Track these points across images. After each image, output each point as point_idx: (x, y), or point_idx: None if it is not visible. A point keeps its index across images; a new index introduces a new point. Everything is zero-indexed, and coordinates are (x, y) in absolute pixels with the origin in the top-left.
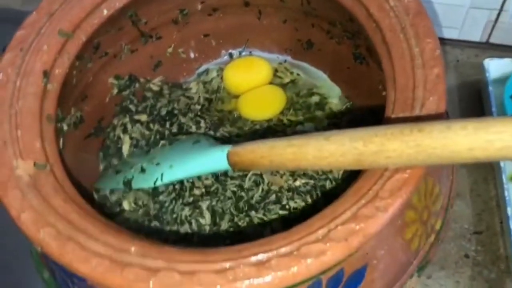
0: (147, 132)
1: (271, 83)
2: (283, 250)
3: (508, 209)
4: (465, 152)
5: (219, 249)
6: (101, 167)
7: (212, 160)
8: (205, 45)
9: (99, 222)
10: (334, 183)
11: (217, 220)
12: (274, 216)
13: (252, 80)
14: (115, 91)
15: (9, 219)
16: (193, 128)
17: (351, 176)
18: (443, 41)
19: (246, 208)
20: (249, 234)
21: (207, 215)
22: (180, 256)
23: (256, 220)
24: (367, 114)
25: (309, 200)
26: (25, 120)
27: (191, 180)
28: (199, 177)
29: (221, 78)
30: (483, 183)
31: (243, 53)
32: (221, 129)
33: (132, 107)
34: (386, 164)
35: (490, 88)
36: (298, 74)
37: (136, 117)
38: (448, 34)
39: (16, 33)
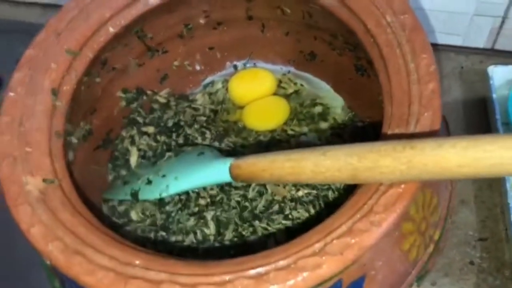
0: (154, 144)
1: (275, 94)
2: (281, 263)
3: None
4: (454, 169)
5: (219, 262)
6: (110, 178)
7: (215, 172)
8: (210, 57)
9: (105, 236)
10: (336, 193)
11: (222, 230)
12: (277, 226)
13: (256, 91)
14: (123, 104)
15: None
16: (199, 139)
17: (353, 186)
18: (447, 48)
19: (250, 218)
20: (253, 244)
21: (212, 225)
22: (182, 269)
23: (259, 230)
24: (369, 124)
25: (312, 210)
26: (34, 137)
27: (196, 191)
28: (204, 188)
29: (226, 89)
30: (487, 190)
31: (248, 65)
32: (226, 139)
33: (139, 119)
34: (380, 179)
35: (494, 95)
36: (301, 85)
37: (144, 129)
38: (452, 41)
39: (25, 52)
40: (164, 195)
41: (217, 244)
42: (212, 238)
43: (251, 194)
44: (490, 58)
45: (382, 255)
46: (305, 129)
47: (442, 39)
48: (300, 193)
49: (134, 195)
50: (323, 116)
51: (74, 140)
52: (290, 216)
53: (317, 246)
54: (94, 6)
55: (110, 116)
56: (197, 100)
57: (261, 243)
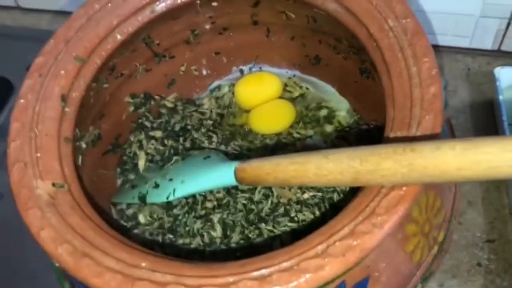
0: (161, 148)
1: (281, 97)
2: (284, 265)
3: None
4: (454, 172)
5: (224, 264)
6: (119, 182)
7: (221, 175)
8: (217, 62)
9: (113, 239)
10: (341, 195)
11: (228, 232)
12: (283, 228)
13: (262, 95)
14: (131, 109)
15: None
16: (206, 143)
17: (357, 189)
18: (454, 50)
19: (256, 220)
20: (259, 246)
21: (218, 228)
22: (187, 271)
23: (265, 232)
24: (375, 127)
25: (317, 213)
26: (44, 143)
27: (203, 194)
28: (211, 191)
29: (233, 93)
30: (495, 192)
31: (253, 69)
32: (232, 143)
33: (147, 123)
34: (382, 182)
35: (501, 96)
36: (307, 88)
37: (151, 133)
38: (459, 42)
39: (35, 60)
40: (171, 198)
41: (223, 247)
42: (218, 240)
43: (257, 197)
44: (497, 59)
45: (386, 256)
46: (310, 132)
47: (449, 41)
48: (306, 195)
49: (142, 198)
50: (329, 119)
51: (83, 145)
52: (295, 219)
53: (320, 248)
54: (102, 14)
55: (119, 121)
56: (204, 105)
57: (267, 245)
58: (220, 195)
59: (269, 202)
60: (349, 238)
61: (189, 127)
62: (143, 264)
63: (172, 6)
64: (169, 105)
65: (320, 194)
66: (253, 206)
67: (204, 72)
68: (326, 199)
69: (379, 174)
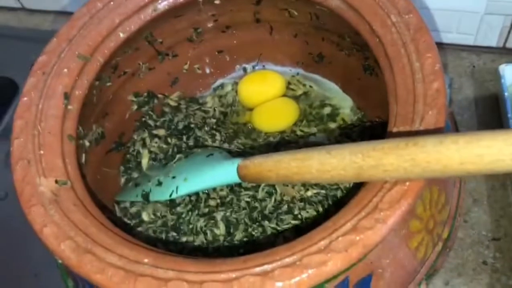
0: (165, 146)
1: (284, 95)
2: (286, 260)
3: None
4: (457, 166)
5: (226, 260)
6: (122, 180)
7: (223, 173)
8: (220, 60)
9: (116, 235)
10: (345, 192)
11: (231, 230)
12: (286, 226)
13: (265, 93)
14: (135, 107)
15: None
16: (209, 141)
17: (361, 185)
18: (459, 47)
19: (260, 218)
20: (262, 244)
21: (222, 225)
22: (189, 267)
23: (269, 230)
24: (378, 124)
25: (321, 210)
26: (47, 140)
27: (206, 192)
28: (214, 189)
29: (236, 91)
30: (500, 189)
31: (257, 67)
32: (235, 141)
33: (151, 122)
34: (384, 177)
35: (506, 93)
36: (310, 86)
37: (155, 132)
38: (464, 40)
39: (38, 58)
40: (174, 196)
41: (226, 244)
42: (222, 238)
43: (260, 194)
44: (502, 56)
45: (389, 253)
46: (314, 130)
47: (453, 39)
48: (309, 193)
49: (145, 196)
50: (332, 117)
51: (86, 143)
52: (299, 216)
53: (322, 243)
54: (104, 13)
55: (122, 120)
56: (207, 103)
57: (270, 243)
58: (224, 193)
59: (273, 199)
60: (352, 233)
61: (192, 125)
62: (146, 260)
63: (174, 4)
64: (173, 103)
65: (323, 191)
66: (256, 204)
67: (207, 71)
68: (330, 197)
69: (382, 169)
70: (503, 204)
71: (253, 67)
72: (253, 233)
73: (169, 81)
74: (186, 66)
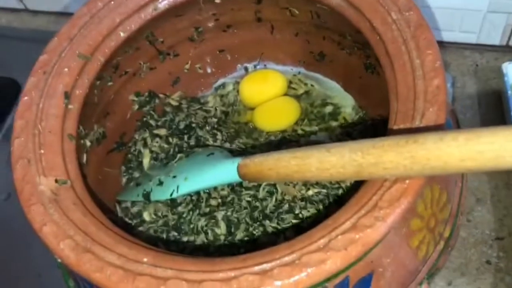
0: (166, 146)
1: (285, 94)
2: (285, 259)
3: None
4: (457, 163)
5: (225, 259)
6: (124, 180)
7: (224, 172)
8: (221, 60)
9: (115, 234)
10: (346, 191)
11: (233, 229)
12: (287, 225)
13: (267, 92)
14: (136, 107)
15: None
16: (210, 141)
17: (361, 184)
18: (462, 45)
19: (261, 217)
20: (263, 243)
21: (223, 225)
22: (188, 266)
23: (270, 229)
24: (380, 122)
25: (322, 209)
26: (48, 140)
27: (207, 191)
28: (215, 188)
29: (237, 91)
30: (504, 188)
31: (258, 67)
32: (237, 141)
33: (152, 122)
34: (384, 175)
35: (509, 91)
36: (312, 85)
37: (156, 131)
38: (467, 38)
39: (39, 58)
40: (174, 195)
41: (227, 244)
42: (222, 238)
43: (261, 194)
44: (506, 55)
45: (390, 252)
46: (315, 129)
47: (456, 37)
48: (310, 192)
49: (146, 196)
50: (334, 115)
51: (88, 143)
52: (300, 215)
53: (322, 242)
54: (105, 12)
55: (123, 119)
56: (209, 102)
57: (271, 242)
58: (225, 192)
59: (274, 199)
60: (352, 231)
61: (193, 125)
62: (145, 259)
63: (175, 3)
64: (174, 103)
65: (324, 190)
66: (257, 203)
67: (209, 70)
68: (331, 196)
69: (382, 167)
70: (507, 203)
71: (255, 66)
72: (254, 232)
73: (170, 81)
74: (187, 66)
